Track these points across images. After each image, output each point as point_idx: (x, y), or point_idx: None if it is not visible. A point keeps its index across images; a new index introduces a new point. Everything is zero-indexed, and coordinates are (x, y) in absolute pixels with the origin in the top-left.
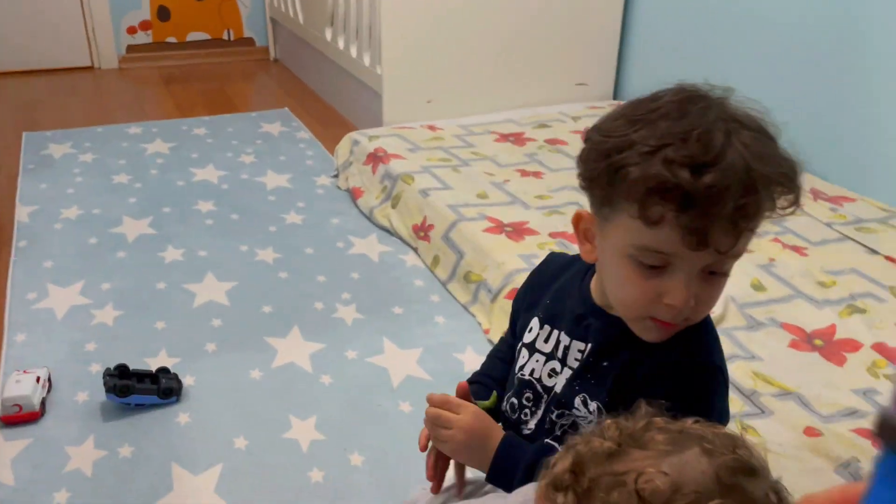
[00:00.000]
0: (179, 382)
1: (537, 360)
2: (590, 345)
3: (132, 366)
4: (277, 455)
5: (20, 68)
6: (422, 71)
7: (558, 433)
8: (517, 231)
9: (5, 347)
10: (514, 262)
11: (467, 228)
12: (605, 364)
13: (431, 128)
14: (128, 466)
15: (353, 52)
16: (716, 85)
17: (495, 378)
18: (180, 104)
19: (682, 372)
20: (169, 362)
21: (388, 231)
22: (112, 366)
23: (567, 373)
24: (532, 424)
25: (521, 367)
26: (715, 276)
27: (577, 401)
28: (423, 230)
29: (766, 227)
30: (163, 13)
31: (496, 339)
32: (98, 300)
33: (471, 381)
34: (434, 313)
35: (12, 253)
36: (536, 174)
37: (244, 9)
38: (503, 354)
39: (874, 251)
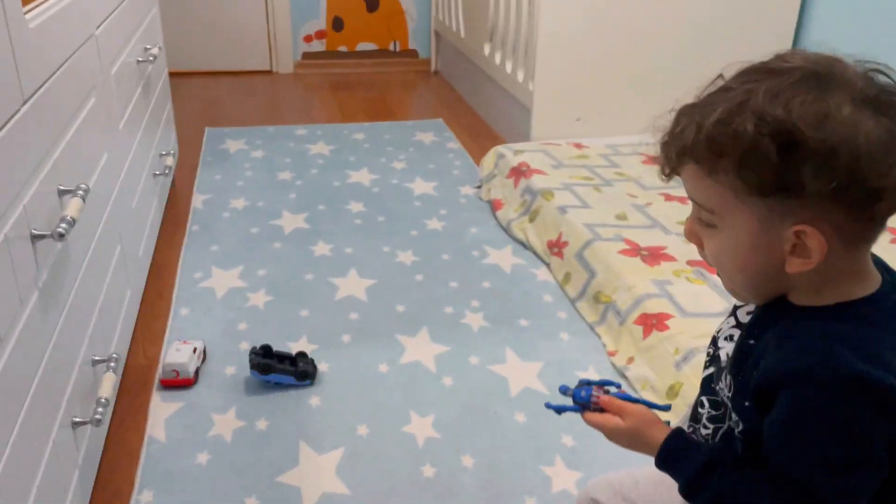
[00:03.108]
0: (315, 367)
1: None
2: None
3: (275, 347)
4: (394, 447)
5: (210, 69)
6: (574, 88)
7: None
8: (653, 255)
9: (171, 319)
10: (645, 287)
11: (602, 248)
12: (751, 342)
13: (578, 146)
14: (262, 438)
15: (508, 67)
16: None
17: None
18: (344, 110)
19: (790, 375)
20: (308, 348)
21: (523, 244)
22: (258, 345)
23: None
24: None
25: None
26: (704, 225)
27: (724, 373)
28: (557, 246)
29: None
30: (337, 24)
31: (621, 363)
32: (253, 285)
33: None
34: (559, 329)
35: (186, 236)
36: (682, 199)
37: (411, 22)
38: None
39: None
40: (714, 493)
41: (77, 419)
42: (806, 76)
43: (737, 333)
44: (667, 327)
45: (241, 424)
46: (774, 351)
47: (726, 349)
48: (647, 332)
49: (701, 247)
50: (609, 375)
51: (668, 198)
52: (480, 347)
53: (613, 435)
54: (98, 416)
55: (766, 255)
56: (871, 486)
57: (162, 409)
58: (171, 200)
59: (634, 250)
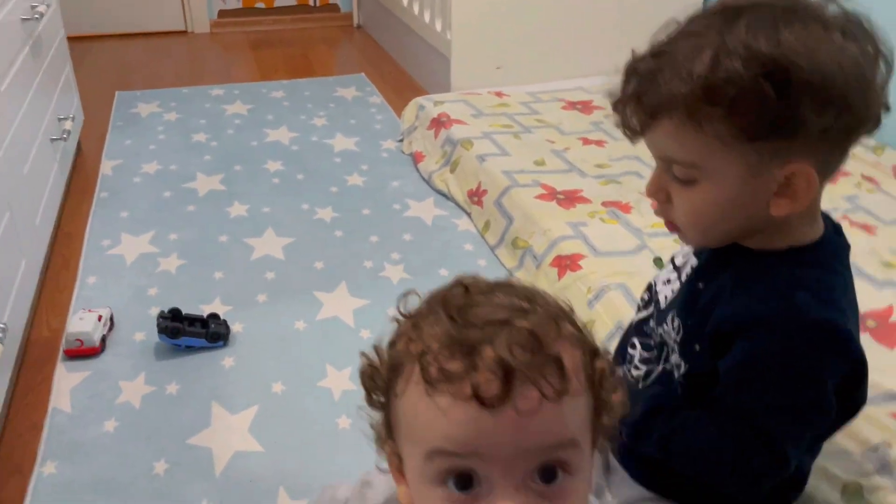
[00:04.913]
0: (227, 328)
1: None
2: (697, 262)
3: (188, 311)
4: (310, 401)
5: (120, 31)
6: (492, 37)
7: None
8: (569, 199)
9: (77, 288)
10: (560, 230)
11: (519, 195)
12: (700, 286)
13: (499, 94)
14: (172, 402)
15: (427, 17)
16: None
17: None
18: (263, 68)
19: (757, 321)
20: (222, 309)
21: (444, 196)
22: (166, 309)
23: (676, 286)
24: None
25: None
26: (680, 182)
27: (670, 316)
28: (476, 195)
29: (837, 203)
30: None
31: None
32: (165, 249)
33: None
34: None
35: (93, 203)
36: (599, 143)
37: None
38: None
39: None
40: (660, 436)
41: None
42: (779, 9)
43: (674, 277)
44: (580, 267)
45: (150, 390)
46: (732, 297)
47: (664, 293)
48: (561, 274)
49: (664, 204)
50: None
51: (586, 142)
52: None
53: None
54: None
55: (752, 201)
56: (819, 429)
57: (67, 380)
58: (77, 167)
59: (551, 195)
